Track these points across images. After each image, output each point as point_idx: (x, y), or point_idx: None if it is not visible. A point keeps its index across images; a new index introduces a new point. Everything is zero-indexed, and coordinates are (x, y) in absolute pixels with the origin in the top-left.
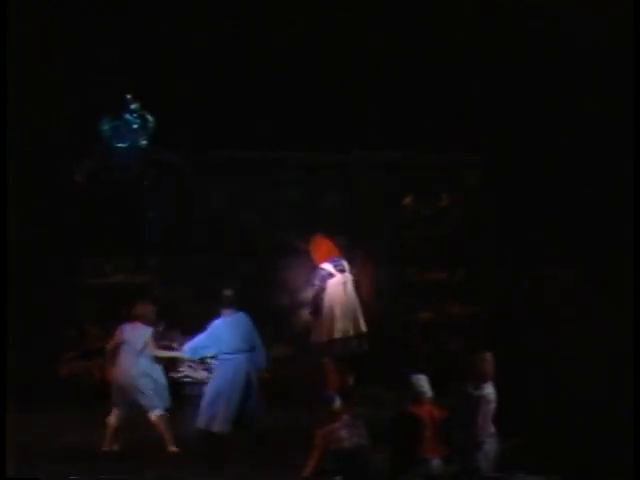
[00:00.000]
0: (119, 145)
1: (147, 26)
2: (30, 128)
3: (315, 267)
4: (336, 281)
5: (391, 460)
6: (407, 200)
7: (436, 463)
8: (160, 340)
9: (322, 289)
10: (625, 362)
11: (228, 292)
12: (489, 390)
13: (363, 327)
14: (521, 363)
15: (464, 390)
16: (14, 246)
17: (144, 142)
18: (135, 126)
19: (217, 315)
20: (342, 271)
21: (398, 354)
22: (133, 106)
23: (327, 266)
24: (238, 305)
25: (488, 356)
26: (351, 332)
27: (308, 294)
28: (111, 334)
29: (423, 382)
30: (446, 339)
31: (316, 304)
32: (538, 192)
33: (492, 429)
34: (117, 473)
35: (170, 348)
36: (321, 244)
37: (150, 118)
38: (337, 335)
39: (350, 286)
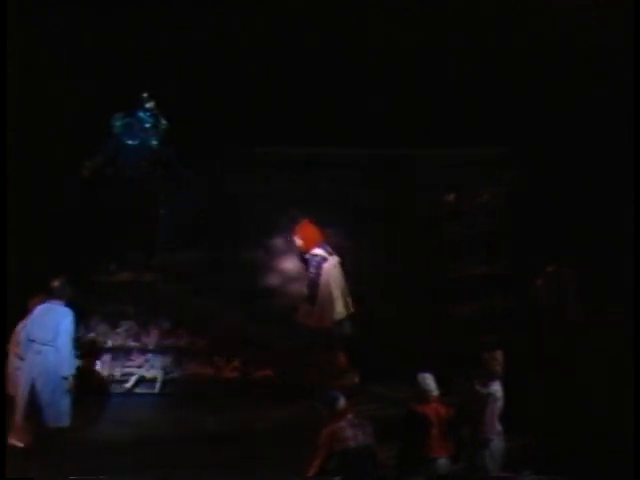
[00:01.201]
0: (129, 142)
1: (170, 23)
2: (38, 122)
3: (305, 254)
4: (330, 264)
5: (398, 459)
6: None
7: (443, 462)
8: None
9: (318, 275)
10: (632, 362)
11: (56, 282)
12: (497, 388)
13: (352, 307)
14: (530, 361)
15: (472, 388)
16: (15, 243)
17: (154, 142)
18: (147, 125)
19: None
20: (331, 254)
21: (403, 351)
22: (148, 105)
23: (319, 251)
24: (68, 298)
25: (498, 354)
26: (347, 313)
27: (304, 281)
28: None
29: (429, 380)
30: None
31: (313, 290)
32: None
33: (499, 427)
34: (117, 473)
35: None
36: (308, 230)
37: (163, 120)
38: (337, 317)
39: (339, 268)
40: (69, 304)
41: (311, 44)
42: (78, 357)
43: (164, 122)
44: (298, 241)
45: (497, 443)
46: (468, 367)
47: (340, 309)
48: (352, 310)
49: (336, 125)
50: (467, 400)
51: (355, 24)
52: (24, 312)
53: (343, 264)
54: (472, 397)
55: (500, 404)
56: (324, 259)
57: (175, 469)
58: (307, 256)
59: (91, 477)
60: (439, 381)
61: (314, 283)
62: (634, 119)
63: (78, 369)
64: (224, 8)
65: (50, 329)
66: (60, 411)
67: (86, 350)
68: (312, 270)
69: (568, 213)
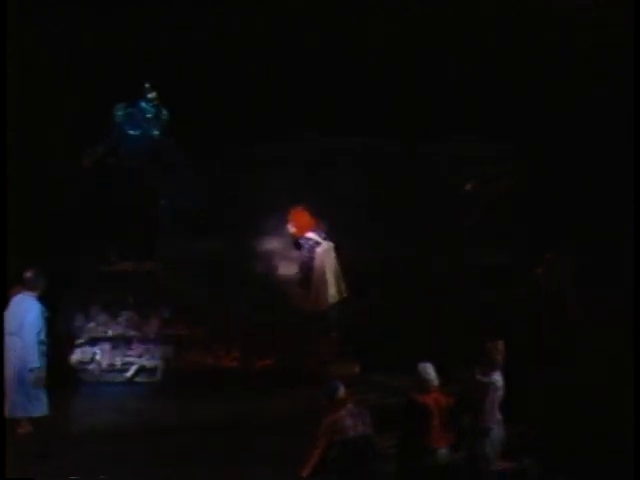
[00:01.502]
0: (131, 132)
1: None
2: (41, 111)
3: (298, 239)
4: (323, 249)
5: (398, 449)
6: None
7: (443, 451)
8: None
9: (311, 258)
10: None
11: (28, 274)
12: (497, 377)
13: (345, 292)
14: (530, 350)
15: (473, 377)
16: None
17: (156, 132)
18: (149, 115)
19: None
20: (325, 239)
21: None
22: (150, 95)
23: (312, 235)
24: (41, 290)
25: (500, 344)
26: (340, 297)
27: (297, 265)
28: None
29: (429, 370)
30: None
31: (306, 274)
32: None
33: (499, 416)
34: (117, 473)
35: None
36: (301, 216)
37: (164, 110)
38: (331, 300)
39: (333, 253)
40: (43, 296)
41: (311, 44)
42: (44, 351)
43: (165, 113)
44: (291, 227)
45: (497, 432)
46: (469, 356)
47: (334, 293)
48: (345, 295)
49: (336, 123)
50: (468, 389)
51: (355, 24)
52: None
53: (337, 249)
54: (473, 386)
55: (501, 393)
56: (317, 243)
57: (173, 458)
58: (300, 240)
59: (91, 477)
60: (439, 371)
61: (307, 266)
62: (634, 119)
63: (51, 363)
64: (224, 8)
65: (17, 320)
66: (31, 402)
67: (86, 340)
68: (305, 254)
69: (568, 212)
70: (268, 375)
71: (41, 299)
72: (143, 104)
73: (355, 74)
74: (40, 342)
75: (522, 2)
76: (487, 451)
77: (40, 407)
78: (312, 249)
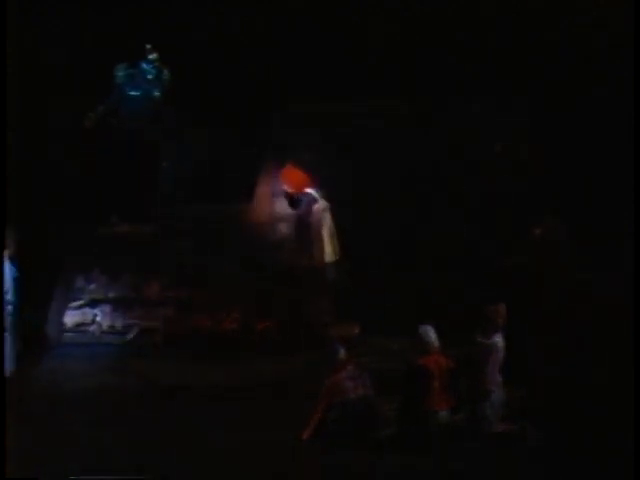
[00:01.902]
0: (132, 93)
1: None
2: (41, 71)
3: (295, 197)
4: (320, 207)
5: (399, 411)
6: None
7: (444, 414)
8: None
9: (308, 214)
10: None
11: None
12: (498, 339)
13: (338, 254)
14: (530, 313)
15: (474, 340)
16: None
17: (157, 93)
18: (150, 76)
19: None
20: (321, 198)
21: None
22: (151, 56)
23: (311, 191)
24: (11, 250)
25: (502, 308)
26: (335, 257)
27: (294, 221)
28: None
29: (430, 333)
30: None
31: (303, 229)
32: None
33: (499, 379)
34: (118, 472)
35: None
36: (294, 173)
37: (165, 71)
38: (327, 259)
39: (329, 212)
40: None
41: (311, 44)
42: (9, 311)
43: (166, 73)
44: (286, 186)
45: (498, 395)
46: (469, 319)
47: (330, 251)
48: (338, 256)
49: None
50: (468, 352)
51: (355, 24)
52: None
53: (332, 209)
54: (474, 349)
55: (501, 355)
56: (315, 200)
57: (172, 418)
58: (298, 197)
59: (91, 477)
60: (440, 333)
61: (305, 223)
62: (634, 119)
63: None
64: (224, 8)
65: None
66: None
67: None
68: (303, 209)
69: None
70: (268, 337)
71: (13, 259)
72: (144, 65)
73: (355, 74)
74: (6, 302)
75: (522, 2)
76: (487, 414)
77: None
78: (310, 205)
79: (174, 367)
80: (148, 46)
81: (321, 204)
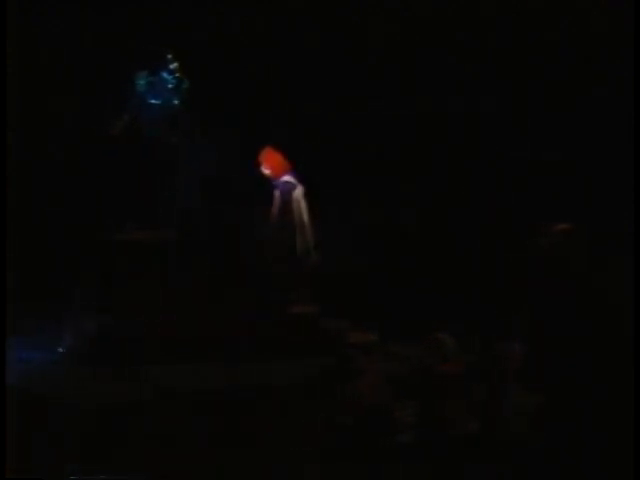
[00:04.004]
0: (152, 101)
1: None
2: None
3: (273, 181)
4: (299, 193)
5: (415, 418)
6: None
7: (460, 420)
8: None
9: (289, 201)
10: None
11: None
12: (515, 346)
13: (315, 241)
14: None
15: (489, 346)
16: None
17: (176, 102)
18: (170, 85)
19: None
20: (300, 183)
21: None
22: (172, 66)
23: (290, 178)
24: None
25: (518, 313)
26: (313, 244)
27: (274, 209)
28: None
29: (447, 339)
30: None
31: (285, 217)
32: None
33: (516, 385)
34: (118, 472)
35: None
36: (274, 157)
37: (186, 81)
38: (308, 245)
39: (304, 198)
40: None
41: (311, 44)
42: None
43: (186, 82)
44: (266, 169)
45: (515, 402)
46: (487, 325)
47: (310, 238)
48: (314, 244)
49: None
50: (485, 359)
51: (355, 24)
52: None
53: (307, 195)
54: (489, 355)
55: (518, 362)
56: (294, 186)
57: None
58: (277, 183)
59: (91, 477)
60: (456, 340)
61: (286, 210)
62: (634, 119)
63: None
64: (224, 8)
65: None
66: None
67: None
68: (283, 196)
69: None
70: (279, 339)
71: None
72: (165, 74)
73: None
74: None
75: (522, 2)
76: (504, 420)
77: None
78: (289, 192)
79: (189, 368)
80: (169, 55)
81: (300, 190)
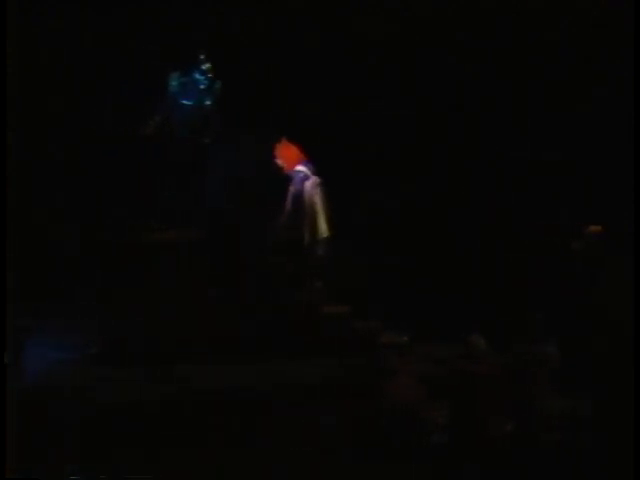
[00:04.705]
0: (184, 102)
1: None
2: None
3: (288, 172)
4: (312, 183)
5: (447, 419)
6: None
7: (493, 422)
8: None
9: (301, 192)
10: None
11: None
12: (550, 348)
13: (329, 231)
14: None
15: (524, 348)
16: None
17: (208, 103)
18: (202, 86)
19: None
20: (314, 174)
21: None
22: (204, 66)
23: (302, 168)
24: None
25: (553, 316)
26: (327, 234)
27: (287, 199)
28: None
29: (479, 340)
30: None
31: (296, 206)
32: None
33: (551, 388)
34: (118, 472)
35: None
36: (289, 149)
37: (218, 81)
38: (320, 236)
39: (320, 188)
40: None
41: (311, 44)
42: None
43: (219, 83)
44: (280, 162)
45: (548, 404)
46: (520, 327)
47: (323, 228)
48: (328, 234)
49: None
50: (519, 360)
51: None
52: None
53: (323, 185)
54: (524, 357)
55: (552, 365)
56: (307, 177)
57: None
58: (290, 173)
59: (91, 477)
60: (489, 340)
61: (298, 199)
62: (634, 119)
63: None
64: (224, 8)
65: None
66: None
67: None
68: (296, 187)
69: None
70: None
71: None
72: (197, 75)
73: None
74: None
75: (522, 2)
76: (537, 423)
77: None
78: (302, 182)
79: (210, 368)
80: (201, 56)
81: (314, 180)
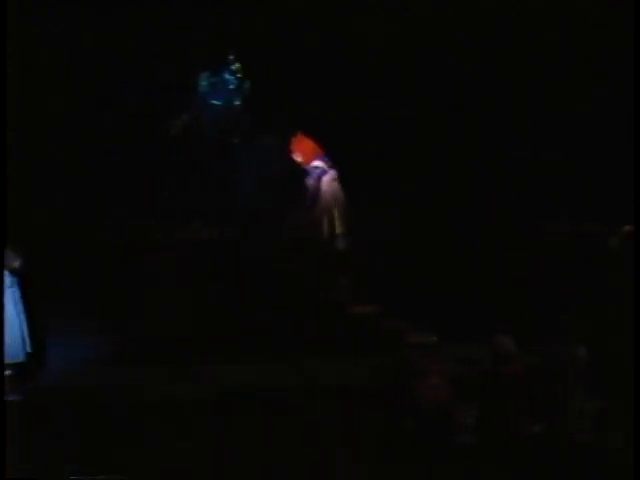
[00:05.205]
0: (213, 102)
1: None
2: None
3: (305, 167)
4: (330, 177)
5: (476, 420)
6: None
7: (522, 423)
8: None
9: (318, 188)
10: None
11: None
12: (580, 349)
13: (348, 226)
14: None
15: (554, 349)
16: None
17: (237, 103)
18: (231, 86)
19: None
20: (331, 167)
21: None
22: (234, 67)
23: (319, 163)
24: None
25: (584, 317)
26: (344, 229)
27: (304, 195)
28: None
29: (507, 342)
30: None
31: (313, 200)
32: None
33: (581, 389)
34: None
35: None
36: (305, 143)
37: (247, 82)
38: (338, 231)
39: (337, 182)
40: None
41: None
42: None
43: (248, 83)
44: (297, 156)
45: (578, 406)
46: (550, 327)
47: (340, 223)
48: (345, 229)
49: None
50: (548, 361)
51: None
52: None
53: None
54: (554, 358)
55: (582, 366)
56: (324, 172)
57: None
58: (307, 168)
59: (91, 477)
60: (517, 341)
61: (315, 194)
62: (634, 119)
63: None
64: (224, 8)
65: None
66: None
67: None
68: (312, 182)
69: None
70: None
71: None
72: (226, 75)
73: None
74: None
75: (522, 2)
76: (568, 425)
77: None
78: (319, 177)
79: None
80: (231, 56)
81: (331, 174)
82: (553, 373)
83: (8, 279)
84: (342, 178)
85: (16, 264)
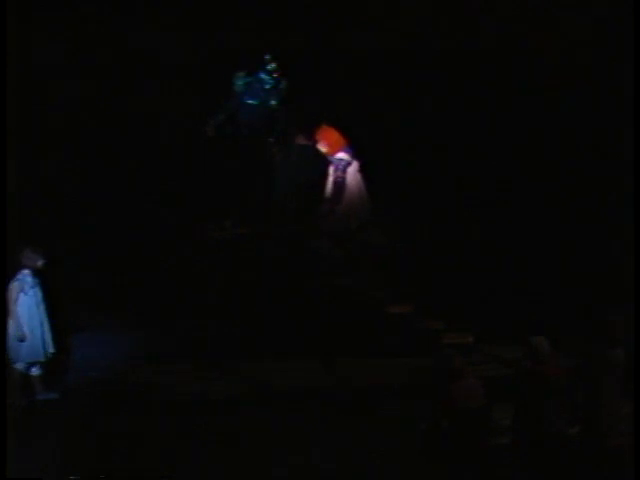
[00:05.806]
0: (249, 102)
1: None
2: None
3: (329, 157)
4: (353, 169)
5: (513, 420)
6: None
7: (559, 424)
8: None
9: (343, 179)
10: None
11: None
12: (618, 352)
13: (371, 216)
14: None
15: (592, 351)
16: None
17: (274, 102)
18: (268, 86)
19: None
20: (355, 157)
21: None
22: (270, 66)
23: (344, 155)
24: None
25: (623, 319)
26: (367, 219)
27: (329, 186)
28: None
29: (543, 343)
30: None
31: (338, 192)
32: None
33: (618, 392)
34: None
35: None
36: (330, 134)
37: (284, 81)
38: (361, 221)
39: (360, 173)
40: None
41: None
42: None
43: (284, 83)
44: (323, 147)
45: (615, 408)
46: (587, 329)
47: (363, 213)
48: (370, 219)
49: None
50: (586, 363)
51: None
52: None
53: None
54: (591, 360)
55: (621, 369)
56: (349, 163)
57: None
58: (332, 159)
59: (91, 477)
60: (556, 344)
61: (340, 186)
62: (634, 119)
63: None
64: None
65: None
66: None
67: None
68: (338, 174)
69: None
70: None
71: None
72: (262, 75)
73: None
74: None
75: (522, 3)
76: (604, 427)
77: None
78: (345, 169)
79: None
80: (267, 56)
81: (355, 166)
82: (591, 374)
83: (30, 279)
84: (368, 171)
85: (39, 264)
